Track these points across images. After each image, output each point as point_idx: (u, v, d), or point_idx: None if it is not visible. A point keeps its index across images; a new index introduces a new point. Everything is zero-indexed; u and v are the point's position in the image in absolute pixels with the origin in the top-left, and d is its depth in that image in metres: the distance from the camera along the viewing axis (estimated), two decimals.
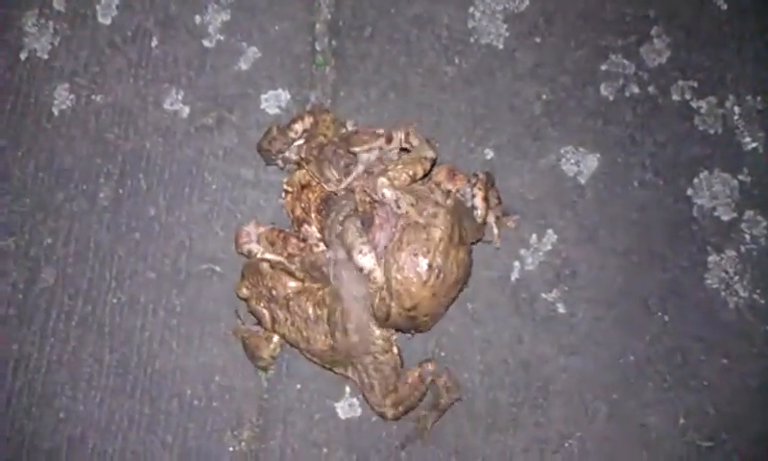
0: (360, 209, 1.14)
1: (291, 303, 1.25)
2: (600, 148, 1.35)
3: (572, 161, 1.35)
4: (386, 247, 1.13)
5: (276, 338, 1.30)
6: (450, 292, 1.15)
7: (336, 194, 1.21)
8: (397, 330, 1.27)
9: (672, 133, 1.35)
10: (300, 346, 1.28)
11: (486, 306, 1.31)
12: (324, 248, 1.21)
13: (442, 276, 1.11)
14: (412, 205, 1.13)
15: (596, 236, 1.32)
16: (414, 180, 1.17)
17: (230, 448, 1.29)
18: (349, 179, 1.19)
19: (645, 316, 1.30)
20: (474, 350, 1.30)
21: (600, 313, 1.30)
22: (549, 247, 1.32)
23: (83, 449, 1.30)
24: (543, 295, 1.31)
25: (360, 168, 1.20)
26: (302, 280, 1.27)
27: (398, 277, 1.12)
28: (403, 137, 1.20)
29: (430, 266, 1.10)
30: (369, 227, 1.14)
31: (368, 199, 1.15)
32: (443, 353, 1.31)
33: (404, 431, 1.28)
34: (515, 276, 1.32)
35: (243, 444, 1.29)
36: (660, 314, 1.30)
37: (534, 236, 1.33)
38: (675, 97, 1.37)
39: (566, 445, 1.27)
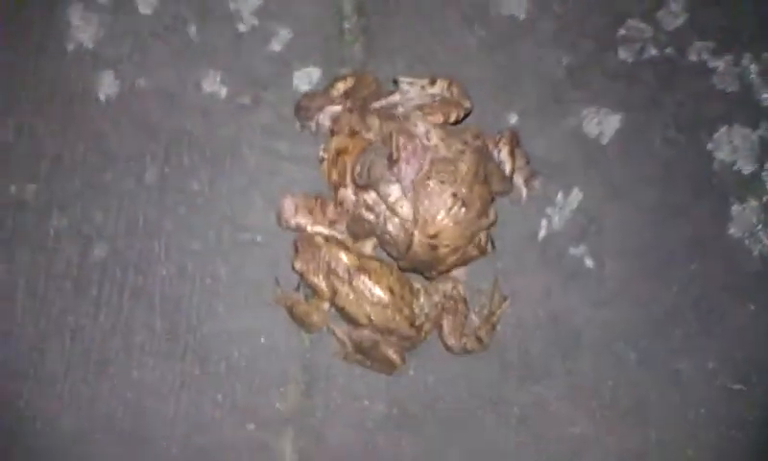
0: (394, 153, 1.25)
1: (354, 280, 1.38)
2: (622, 108, 1.46)
3: (595, 122, 1.45)
4: (412, 180, 1.23)
5: (326, 306, 1.42)
6: (471, 225, 1.29)
7: (373, 144, 1.31)
8: (415, 272, 1.40)
9: (691, 91, 1.46)
10: (360, 321, 1.41)
11: (515, 263, 1.42)
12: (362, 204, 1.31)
13: (465, 207, 1.21)
14: (442, 139, 1.24)
15: (621, 193, 1.42)
16: (446, 121, 1.29)
17: (277, 405, 1.41)
18: (385, 101, 1.30)
19: (672, 267, 1.40)
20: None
21: (627, 266, 1.40)
22: (575, 205, 1.42)
23: (138, 412, 1.43)
24: (571, 250, 1.41)
25: (397, 97, 1.31)
26: (357, 256, 1.40)
27: (425, 202, 1.22)
28: (446, 85, 1.31)
29: (455, 195, 1.22)
30: (395, 161, 1.25)
31: (401, 138, 1.25)
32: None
33: (442, 380, 1.37)
34: (542, 233, 1.42)
35: (289, 400, 1.41)
36: (686, 264, 1.39)
37: (560, 195, 1.43)
38: (692, 58, 1.46)
39: (599, 391, 1.34)
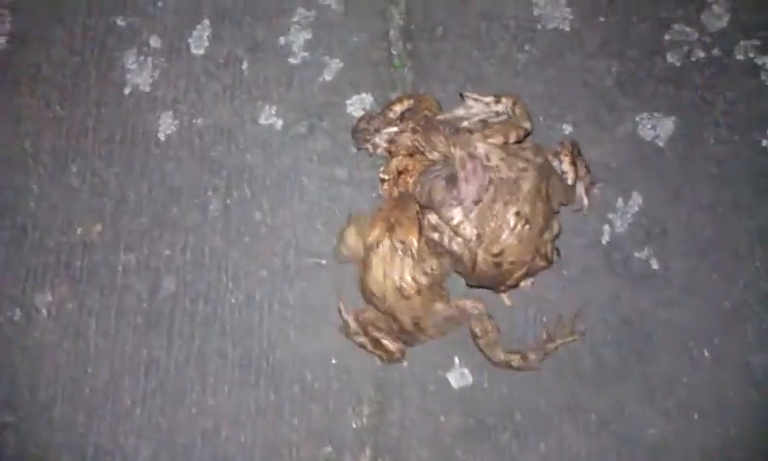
0: (459, 171, 1.32)
1: (389, 256, 1.51)
2: (674, 111, 1.55)
3: (649, 127, 1.53)
4: (475, 201, 1.30)
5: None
6: (534, 241, 1.36)
7: (434, 163, 1.39)
8: (480, 287, 1.55)
9: (741, 90, 1.56)
10: (370, 288, 1.52)
11: (581, 271, 1.49)
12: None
13: (528, 224, 1.28)
14: (502, 159, 1.31)
15: (681, 194, 1.50)
16: (506, 142, 1.35)
17: (353, 425, 1.47)
18: (450, 115, 1.37)
19: (737, 263, 1.48)
20: (574, 312, 1.43)
21: (693, 265, 1.48)
22: (636, 208, 1.50)
23: (216, 440, 1.51)
24: (636, 254, 1.48)
25: (462, 111, 1.38)
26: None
27: (490, 223, 1.28)
28: (510, 103, 1.37)
29: (518, 214, 1.29)
30: (454, 183, 1.32)
31: (462, 156, 1.33)
32: (544, 319, 1.46)
33: (517, 390, 1.42)
34: (605, 239, 1.50)
35: (364, 419, 1.47)
36: (750, 260, 1.45)
37: (620, 200, 1.51)
38: (739, 57, 1.54)
39: (675, 391, 1.38)
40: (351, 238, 1.62)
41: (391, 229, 1.55)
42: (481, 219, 1.46)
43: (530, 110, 1.63)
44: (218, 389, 1.67)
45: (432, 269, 1.52)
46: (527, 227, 1.46)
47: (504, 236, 1.45)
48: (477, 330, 1.56)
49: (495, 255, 1.47)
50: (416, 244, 1.53)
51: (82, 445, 1.67)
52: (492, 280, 1.54)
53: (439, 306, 1.56)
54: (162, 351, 1.71)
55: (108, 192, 1.82)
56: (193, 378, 1.68)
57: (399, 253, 1.53)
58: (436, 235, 1.54)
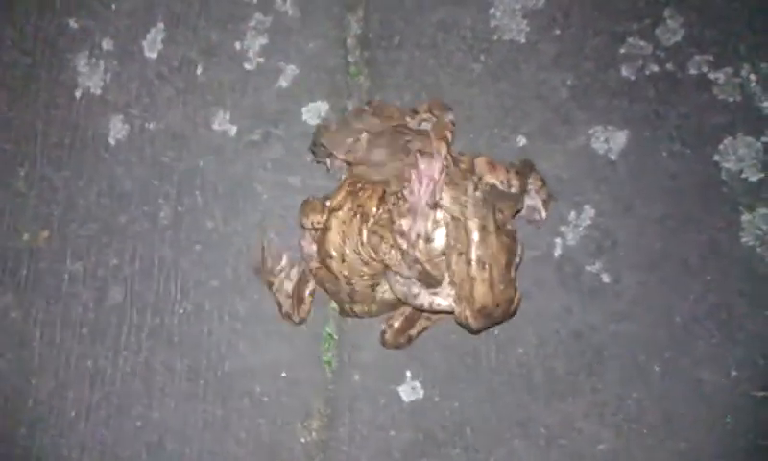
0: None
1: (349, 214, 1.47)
2: (627, 125, 1.52)
3: (602, 139, 1.52)
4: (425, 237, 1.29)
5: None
6: (505, 276, 1.30)
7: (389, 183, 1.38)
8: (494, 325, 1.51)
9: (694, 104, 1.54)
10: (328, 244, 1.47)
11: (533, 283, 1.47)
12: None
13: (490, 266, 1.24)
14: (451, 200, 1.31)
15: (632, 207, 1.48)
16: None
17: (302, 439, 1.44)
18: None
19: (687, 277, 1.46)
20: (526, 324, 1.47)
21: (644, 278, 1.45)
22: (588, 221, 1.48)
23: (161, 454, 1.49)
24: (587, 267, 1.46)
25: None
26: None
27: (462, 284, 1.37)
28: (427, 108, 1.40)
29: (479, 261, 1.23)
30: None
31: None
32: (496, 332, 1.42)
33: (467, 404, 1.40)
34: (557, 252, 1.47)
35: (314, 433, 1.44)
36: (701, 274, 1.44)
37: (572, 213, 1.49)
38: (692, 71, 1.54)
39: (625, 406, 1.37)
40: (314, 206, 1.56)
41: (353, 193, 1.51)
42: (453, 282, 1.38)
43: (477, 120, 1.65)
44: (164, 402, 1.64)
45: (384, 241, 1.42)
46: (492, 268, 1.37)
47: (478, 291, 1.37)
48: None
49: (480, 310, 1.39)
50: (374, 211, 1.46)
51: (23, 458, 1.63)
52: (498, 321, 1.46)
53: (384, 285, 1.49)
54: (108, 363, 1.68)
55: (56, 198, 1.79)
56: (139, 391, 1.65)
57: (357, 218, 1.46)
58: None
